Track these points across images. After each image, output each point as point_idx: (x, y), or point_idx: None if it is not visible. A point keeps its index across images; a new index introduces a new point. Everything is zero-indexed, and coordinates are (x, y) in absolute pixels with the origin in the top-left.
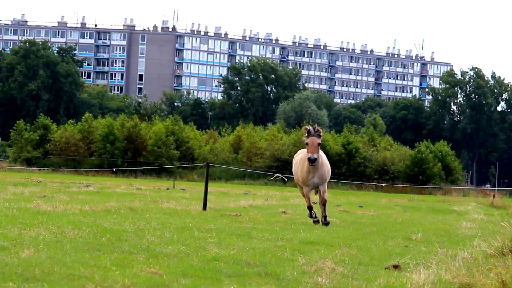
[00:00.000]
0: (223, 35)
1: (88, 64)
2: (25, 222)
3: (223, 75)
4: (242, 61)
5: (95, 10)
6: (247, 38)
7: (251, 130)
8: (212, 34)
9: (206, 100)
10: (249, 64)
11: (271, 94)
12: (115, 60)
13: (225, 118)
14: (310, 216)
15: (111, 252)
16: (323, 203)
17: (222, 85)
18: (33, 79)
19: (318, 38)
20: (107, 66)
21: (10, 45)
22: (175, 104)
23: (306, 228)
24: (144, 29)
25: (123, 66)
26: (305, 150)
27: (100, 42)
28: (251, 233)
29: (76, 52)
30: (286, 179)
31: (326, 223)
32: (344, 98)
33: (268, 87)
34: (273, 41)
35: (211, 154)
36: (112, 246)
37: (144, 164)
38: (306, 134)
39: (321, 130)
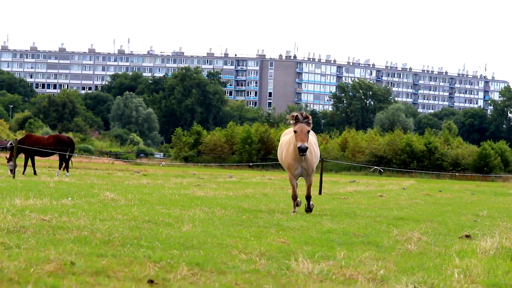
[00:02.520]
0: (332, 61)
1: (230, 85)
2: (184, 204)
3: (332, 92)
4: (346, 81)
5: (235, 43)
6: (351, 63)
7: (354, 133)
8: (324, 61)
9: (320, 111)
10: (352, 83)
11: (369, 106)
12: (251, 81)
13: (334, 125)
14: (294, 208)
15: (250, 226)
16: (307, 197)
17: (332, 100)
18: (188, 97)
19: (405, 63)
20: (245, 86)
21: (170, 71)
22: None
23: (398, 208)
24: (272, 58)
25: (256, 86)
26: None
27: (239, 67)
28: (356, 211)
29: (221, 75)
30: (382, 171)
31: (308, 210)
32: (425, 108)
33: (367, 101)
34: (371, 65)
35: (324, 152)
36: (251, 222)
37: (274, 160)
38: (294, 121)
39: (309, 117)
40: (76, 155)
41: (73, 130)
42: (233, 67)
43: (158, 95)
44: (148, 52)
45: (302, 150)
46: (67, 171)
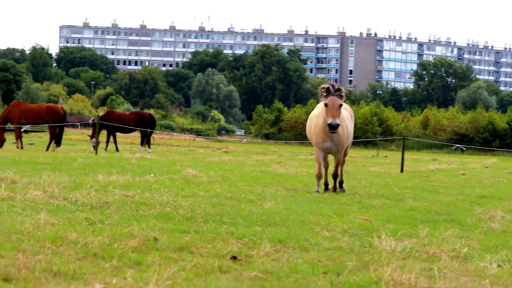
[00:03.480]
0: (413, 39)
1: (310, 62)
2: (266, 181)
3: (413, 69)
4: (428, 59)
5: (316, 20)
6: (432, 41)
7: (436, 111)
8: (405, 39)
9: (401, 89)
10: (433, 61)
11: (450, 84)
12: (331, 59)
13: (416, 103)
14: (317, 186)
15: (332, 204)
16: (334, 176)
17: (413, 77)
18: (268, 74)
19: (487, 41)
20: (325, 63)
21: (251, 48)
22: (377, 92)
23: (480, 186)
24: (352, 35)
25: (337, 63)
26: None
27: (319, 45)
28: (438, 189)
29: (301, 53)
30: (464, 149)
31: (337, 189)
32: (507, 86)
33: (448, 78)
34: (452, 43)
35: (406, 130)
36: (333, 199)
37: (355, 137)
38: (325, 94)
39: (342, 89)
40: (157, 131)
41: (154, 107)
42: (313, 44)
43: (238, 72)
44: (229, 29)
45: (333, 128)
46: (149, 148)
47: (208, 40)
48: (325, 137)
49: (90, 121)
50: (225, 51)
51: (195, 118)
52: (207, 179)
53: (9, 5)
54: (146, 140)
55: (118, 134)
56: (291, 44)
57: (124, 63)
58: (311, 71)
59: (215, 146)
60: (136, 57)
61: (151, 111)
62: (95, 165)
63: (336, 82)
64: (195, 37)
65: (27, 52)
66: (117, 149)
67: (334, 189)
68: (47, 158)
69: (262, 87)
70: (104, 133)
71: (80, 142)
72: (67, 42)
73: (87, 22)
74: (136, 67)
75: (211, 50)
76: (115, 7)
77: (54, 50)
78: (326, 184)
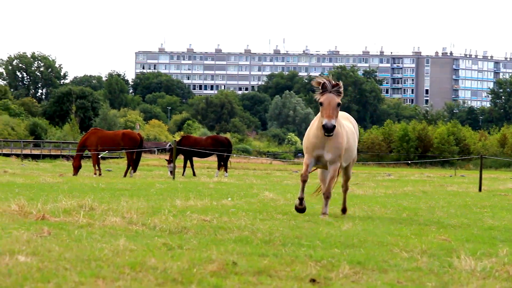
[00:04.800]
0: (489, 57)
1: (386, 83)
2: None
3: (490, 88)
4: (504, 77)
5: (391, 41)
6: (508, 59)
7: None
8: (481, 57)
9: (478, 107)
10: (510, 79)
11: None
12: (407, 79)
13: (493, 121)
14: (299, 202)
15: (410, 224)
16: (326, 194)
17: (489, 96)
18: (344, 95)
19: None
20: (401, 84)
21: (326, 70)
22: (454, 111)
23: None
24: (428, 55)
25: (413, 83)
26: (340, 113)
27: (395, 65)
28: None
29: (376, 73)
30: None
31: (323, 214)
32: None
33: None
34: None
35: (483, 149)
36: (411, 220)
37: (431, 157)
38: (321, 90)
39: (340, 84)
40: (234, 155)
41: (230, 131)
42: (389, 65)
43: (314, 94)
44: (304, 51)
45: (328, 129)
46: (226, 172)
47: (283, 63)
48: (317, 143)
49: (167, 147)
50: (300, 74)
51: (271, 141)
52: (284, 202)
53: (86, 33)
54: (223, 164)
55: (195, 158)
56: (367, 65)
57: (200, 87)
58: (387, 92)
59: (292, 168)
60: (212, 82)
61: (228, 135)
62: (173, 190)
63: (412, 102)
64: (270, 60)
65: (104, 79)
66: (194, 174)
67: (324, 213)
68: (125, 184)
69: None
70: (181, 158)
71: (157, 167)
72: (143, 68)
73: (162, 47)
74: (212, 92)
75: (286, 73)
76: (190, 32)
77: (130, 76)
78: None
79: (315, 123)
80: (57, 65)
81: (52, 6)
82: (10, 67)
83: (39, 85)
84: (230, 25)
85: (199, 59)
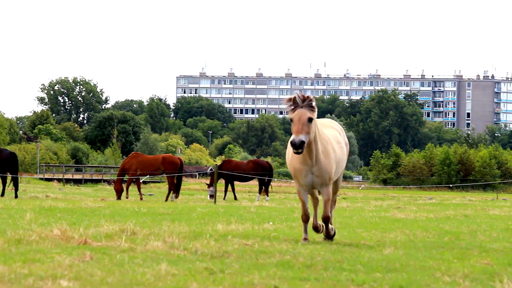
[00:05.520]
0: None
1: (427, 106)
2: (385, 227)
3: None
4: None
5: (432, 64)
6: None
7: None
8: None
9: None
10: None
11: None
12: (448, 102)
13: None
14: (304, 233)
15: (452, 248)
16: (324, 219)
17: None
18: (385, 119)
19: None
20: (442, 107)
21: (367, 94)
22: (496, 134)
23: None
24: (469, 78)
25: (454, 107)
26: (324, 121)
27: (436, 89)
28: None
29: (418, 97)
30: None
31: (328, 237)
32: None
33: None
34: None
35: None
36: (452, 244)
37: (473, 181)
38: (292, 107)
39: (313, 99)
40: (275, 179)
41: (271, 155)
42: (430, 88)
43: (355, 118)
44: (345, 75)
45: (295, 146)
46: (267, 196)
47: (324, 87)
48: (303, 169)
49: (208, 171)
50: (341, 97)
51: None
52: None
53: (128, 58)
54: (264, 188)
55: (236, 182)
56: (408, 88)
57: (241, 111)
58: (428, 115)
59: None
60: (253, 105)
61: (269, 159)
62: (214, 215)
63: (453, 125)
64: (311, 84)
65: (145, 103)
66: (235, 198)
67: (327, 235)
68: (166, 208)
69: (379, 132)
70: (222, 182)
71: (198, 191)
72: (184, 92)
73: (203, 71)
74: (252, 116)
75: (327, 97)
76: (231, 56)
77: (171, 101)
78: (316, 228)
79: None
80: (98, 89)
81: (94, 31)
82: (52, 92)
83: (81, 109)
84: (271, 49)
85: (240, 83)
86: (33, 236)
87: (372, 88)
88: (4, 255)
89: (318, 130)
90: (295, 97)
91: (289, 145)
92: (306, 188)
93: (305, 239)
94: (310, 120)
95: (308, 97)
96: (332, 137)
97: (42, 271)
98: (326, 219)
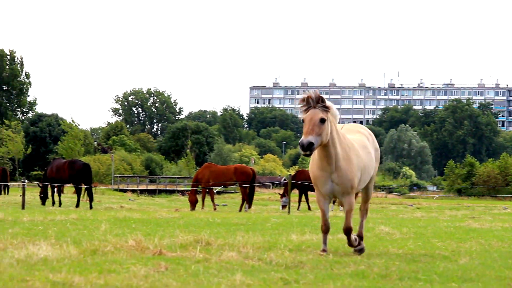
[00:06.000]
0: None
1: (502, 115)
2: (460, 237)
3: None
4: None
5: (507, 73)
6: None
7: None
8: None
9: None
10: None
11: None
12: None
13: None
14: (323, 244)
15: None
16: (346, 230)
17: None
18: (460, 129)
19: None
20: None
21: (441, 103)
22: None
23: None
24: None
25: None
26: (350, 126)
27: (510, 98)
28: None
29: (492, 106)
30: None
31: (357, 250)
32: None
33: None
34: None
35: None
36: None
37: None
38: (305, 107)
39: (324, 99)
40: None
41: None
42: (504, 97)
43: (429, 128)
44: (418, 84)
45: (303, 147)
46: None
47: (398, 96)
48: (323, 175)
49: (282, 181)
50: (415, 107)
51: (386, 174)
52: (400, 236)
53: (201, 69)
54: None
55: (309, 192)
56: (482, 97)
57: None
58: (502, 125)
59: (407, 202)
60: None
61: None
62: (288, 225)
63: None
64: (385, 94)
65: (219, 113)
66: (309, 208)
67: (356, 250)
68: (240, 218)
69: (453, 142)
70: (295, 192)
71: (272, 202)
72: (257, 103)
73: (277, 82)
74: None
75: (401, 106)
76: (304, 66)
77: (244, 111)
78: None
79: (315, 154)
80: (172, 100)
81: (167, 42)
82: (126, 103)
83: (155, 120)
84: (344, 59)
85: None
86: (108, 246)
87: (446, 97)
88: (80, 265)
89: (339, 134)
90: (307, 96)
91: (315, 155)
92: (326, 197)
93: (324, 250)
94: (323, 121)
95: (321, 97)
96: (358, 142)
97: (117, 281)
98: (348, 231)
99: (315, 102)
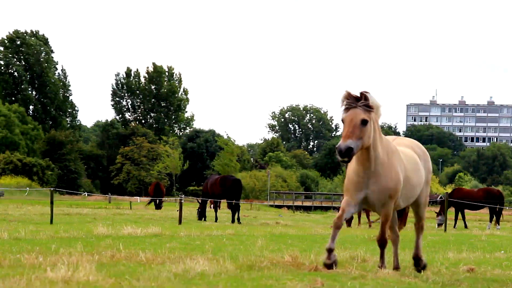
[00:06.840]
0: None
1: None
2: None
3: None
4: None
5: None
6: None
7: None
8: None
9: None
10: None
11: None
12: None
13: None
14: (328, 255)
15: None
16: (379, 242)
17: None
18: None
19: None
20: None
21: None
22: None
23: None
24: None
25: None
26: (404, 140)
27: None
28: None
29: None
30: None
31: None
32: None
33: None
34: None
35: None
36: None
37: None
38: (346, 106)
39: (368, 96)
40: (506, 208)
41: (502, 183)
42: None
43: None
44: None
45: (341, 153)
46: (498, 224)
47: None
48: (358, 181)
49: (438, 199)
50: None
51: None
52: None
53: (357, 86)
54: (495, 217)
55: (466, 211)
56: None
57: (472, 140)
58: None
59: None
60: (484, 134)
61: (500, 188)
62: (445, 242)
63: None
64: None
65: None
66: (465, 226)
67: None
68: None
69: None
70: (452, 210)
71: (428, 219)
72: (414, 120)
73: (434, 99)
74: (483, 144)
75: None
76: (462, 84)
77: (401, 129)
78: (329, 251)
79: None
80: (328, 117)
81: (323, 59)
82: (282, 119)
83: (311, 137)
84: (502, 77)
85: (471, 111)
86: (264, 262)
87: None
88: (236, 280)
89: (381, 136)
90: (348, 93)
91: (353, 160)
92: (356, 201)
93: (329, 249)
94: (365, 122)
95: (364, 94)
96: (406, 154)
97: None
98: (382, 242)
99: (357, 100)
